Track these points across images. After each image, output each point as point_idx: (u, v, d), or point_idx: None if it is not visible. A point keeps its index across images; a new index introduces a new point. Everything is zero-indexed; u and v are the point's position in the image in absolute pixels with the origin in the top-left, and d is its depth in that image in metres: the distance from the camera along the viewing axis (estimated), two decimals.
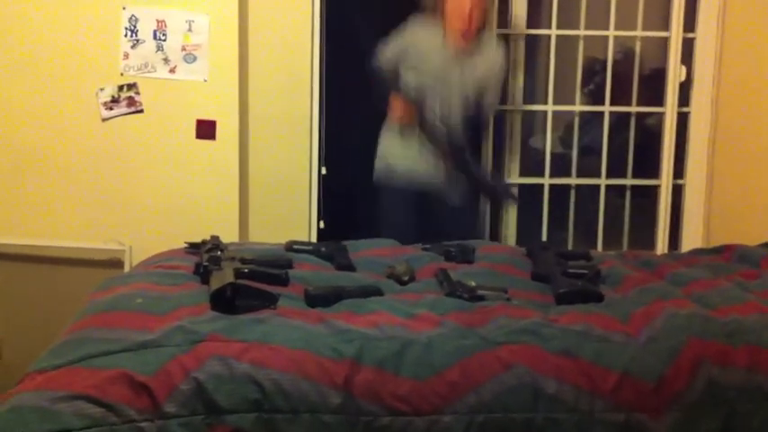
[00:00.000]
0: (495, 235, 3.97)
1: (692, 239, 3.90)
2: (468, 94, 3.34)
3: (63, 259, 3.56)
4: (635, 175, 4.02)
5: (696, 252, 3.03)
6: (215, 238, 2.53)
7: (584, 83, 4.03)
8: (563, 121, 4.18)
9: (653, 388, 1.81)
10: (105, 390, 1.66)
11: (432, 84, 3.33)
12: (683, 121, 3.93)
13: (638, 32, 3.91)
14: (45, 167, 3.53)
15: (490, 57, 3.41)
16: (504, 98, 3.91)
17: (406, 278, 2.35)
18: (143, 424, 1.66)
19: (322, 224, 3.78)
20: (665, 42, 3.90)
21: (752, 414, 1.84)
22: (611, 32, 3.88)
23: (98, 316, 1.94)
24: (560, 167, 4.02)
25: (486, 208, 3.82)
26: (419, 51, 3.34)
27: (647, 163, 4.02)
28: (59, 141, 3.52)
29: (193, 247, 2.57)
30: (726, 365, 1.85)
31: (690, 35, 3.86)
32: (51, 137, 3.51)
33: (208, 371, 1.70)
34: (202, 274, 2.19)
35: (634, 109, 3.97)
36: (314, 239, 3.72)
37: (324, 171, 3.76)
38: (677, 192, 3.97)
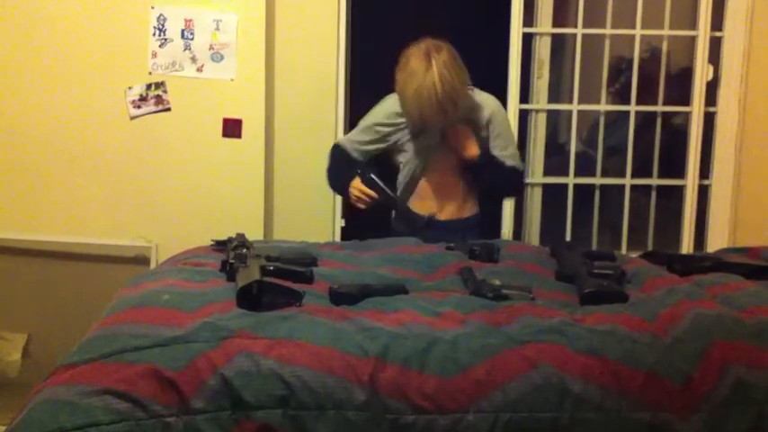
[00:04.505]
0: (518, 234, 3.97)
1: (717, 240, 3.88)
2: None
3: (90, 256, 3.61)
4: (661, 175, 4.00)
5: (722, 252, 3.00)
6: (241, 236, 2.54)
7: (610, 82, 4.02)
8: (588, 120, 4.16)
9: (680, 388, 1.80)
10: (134, 385, 1.68)
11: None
12: (710, 120, 3.91)
13: (665, 31, 3.89)
14: (73, 165, 3.58)
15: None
16: (528, 97, 3.91)
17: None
18: (170, 419, 1.67)
19: (343, 222, 3.80)
20: (692, 41, 3.88)
21: None
22: (638, 31, 3.87)
23: (127, 311, 1.95)
24: (585, 167, 4.01)
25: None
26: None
27: (673, 163, 4.00)
28: (88, 139, 3.57)
29: (220, 245, 2.59)
30: (754, 366, 1.84)
31: (717, 34, 3.84)
32: (80, 135, 3.56)
33: (235, 367, 1.71)
34: (229, 271, 2.20)
35: (660, 108, 3.95)
36: (337, 238, 3.74)
37: None
38: (703, 192, 3.95)
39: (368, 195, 2.99)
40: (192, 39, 3.52)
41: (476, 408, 1.74)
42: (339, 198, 3.78)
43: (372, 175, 2.99)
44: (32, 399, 1.69)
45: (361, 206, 3.04)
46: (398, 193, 3.14)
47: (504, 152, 3.11)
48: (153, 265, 3.48)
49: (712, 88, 3.89)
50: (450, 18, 4.85)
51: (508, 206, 3.84)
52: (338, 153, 3.18)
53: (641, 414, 1.78)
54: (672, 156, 4.01)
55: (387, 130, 3.12)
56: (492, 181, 3.14)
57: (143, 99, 3.54)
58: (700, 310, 1.99)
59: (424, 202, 3.17)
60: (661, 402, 1.79)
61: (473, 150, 3.05)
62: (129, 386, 1.67)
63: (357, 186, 3.00)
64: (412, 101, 2.91)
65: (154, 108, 3.55)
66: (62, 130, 3.56)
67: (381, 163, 3.15)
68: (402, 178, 3.17)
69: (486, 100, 3.12)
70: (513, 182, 3.23)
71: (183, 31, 3.51)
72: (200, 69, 3.54)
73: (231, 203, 3.63)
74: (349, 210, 3.81)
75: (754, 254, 2.79)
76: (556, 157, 4.09)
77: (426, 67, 2.87)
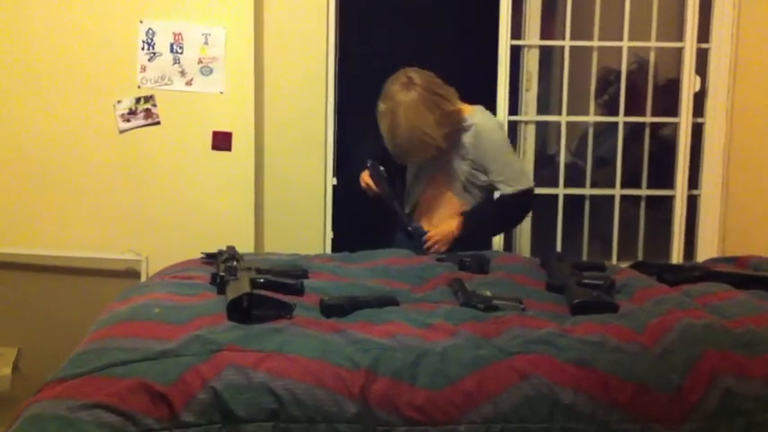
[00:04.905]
0: (509, 245, 3.98)
1: (707, 250, 3.89)
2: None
3: (80, 269, 3.59)
4: (650, 186, 4.01)
5: (711, 262, 3.02)
6: (231, 249, 2.54)
7: (599, 93, 4.03)
8: (577, 131, 4.18)
9: (670, 399, 1.81)
10: (124, 399, 1.67)
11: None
12: (697, 131, 3.93)
13: (653, 43, 3.91)
14: (63, 179, 3.57)
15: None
16: (517, 109, 3.93)
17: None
18: None
19: (332, 234, 3.80)
20: (679, 53, 3.90)
21: None
22: (625, 43, 3.88)
23: (117, 326, 1.95)
24: (575, 178, 4.02)
25: None
26: None
27: (662, 173, 4.01)
28: (77, 153, 3.56)
29: (210, 258, 2.59)
30: (743, 376, 1.85)
31: (704, 45, 3.86)
32: (69, 149, 3.55)
33: (225, 380, 1.71)
34: (219, 284, 2.20)
35: (648, 119, 3.97)
36: (328, 250, 3.74)
37: (335, 182, 3.78)
38: (692, 202, 3.96)
39: (370, 187, 3.08)
40: (181, 53, 3.52)
41: (467, 419, 1.75)
42: (330, 210, 3.79)
43: (377, 170, 3.09)
44: (22, 413, 1.68)
45: (370, 193, 3.11)
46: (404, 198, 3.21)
47: (498, 178, 3.03)
48: (143, 278, 3.47)
49: (700, 99, 3.91)
50: (439, 32, 4.86)
51: None
52: None
53: (631, 425, 1.79)
54: (660, 166, 4.03)
55: None
56: (496, 226, 3.28)
57: (132, 113, 3.54)
58: (689, 320, 2.01)
59: (418, 212, 3.19)
60: (651, 413, 1.80)
61: (452, 230, 3.05)
62: (119, 400, 1.67)
63: (364, 178, 3.10)
64: (385, 140, 2.97)
65: (143, 122, 3.55)
66: (51, 143, 3.55)
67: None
68: (407, 184, 3.23)
69: (475, 124, 3.02)
70: (513, 209, 3.13)
71: (171, 45, 3.52)
72: (189, 83, 3.54)
73: (221, 216, 3.63)
74: (340, 221, 3.82)
75: (742, 263, 2.80)
76: (545, 169, 4.10)
77: (392, 110, 2.90)
